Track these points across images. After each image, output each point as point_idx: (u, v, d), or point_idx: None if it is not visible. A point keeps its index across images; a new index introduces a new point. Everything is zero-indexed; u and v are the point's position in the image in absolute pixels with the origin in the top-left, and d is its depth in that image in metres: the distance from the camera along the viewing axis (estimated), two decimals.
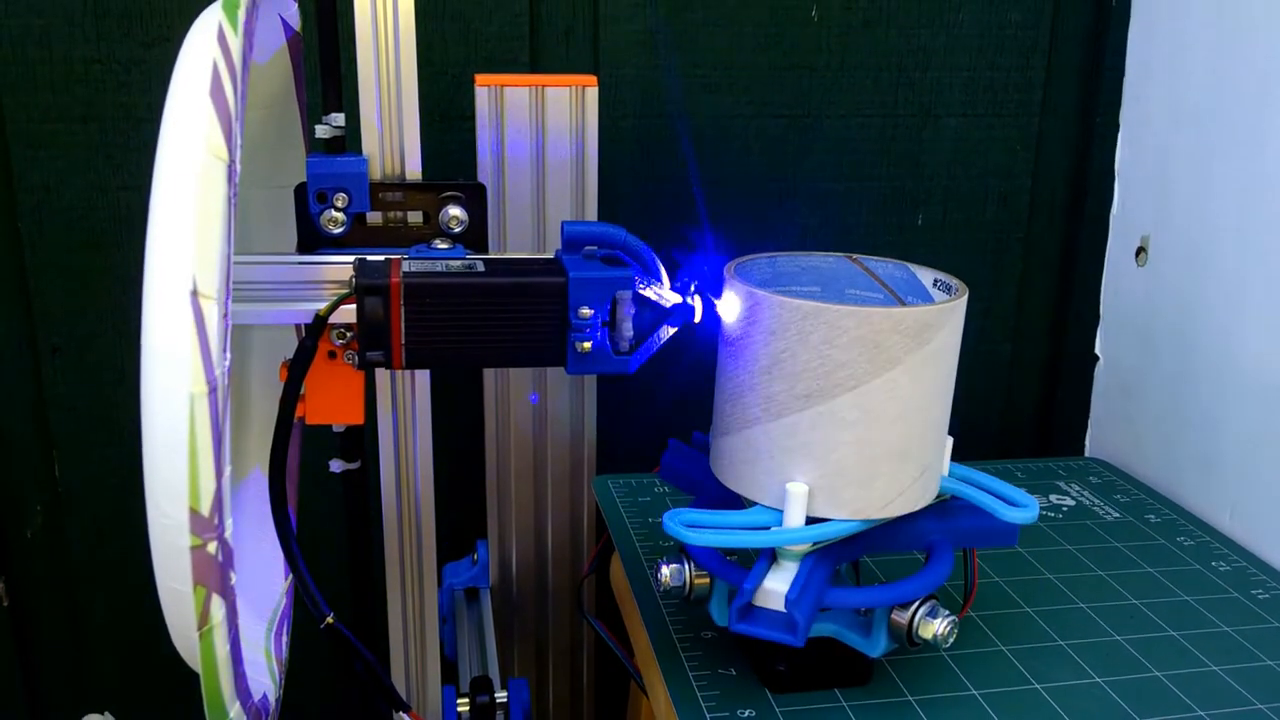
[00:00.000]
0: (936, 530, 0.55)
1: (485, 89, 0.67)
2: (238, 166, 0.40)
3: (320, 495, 0.82)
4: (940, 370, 0.51)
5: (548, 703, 0.81)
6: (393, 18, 0.56)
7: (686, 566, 0.55)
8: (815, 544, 0.52)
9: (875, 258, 0.59)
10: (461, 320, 0.49)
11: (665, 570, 0.55)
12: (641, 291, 0.51)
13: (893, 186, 0.87)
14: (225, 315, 0.39)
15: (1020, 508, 0.52)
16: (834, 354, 0.48)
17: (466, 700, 0.65)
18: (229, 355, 0.39)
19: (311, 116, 0.60)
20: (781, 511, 0.51)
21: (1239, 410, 0.74)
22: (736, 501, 0.54)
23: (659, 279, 0.52)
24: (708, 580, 0.55)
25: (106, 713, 0.87)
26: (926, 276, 0.56)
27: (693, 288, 0.53)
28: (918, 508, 0.52)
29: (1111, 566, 0.69)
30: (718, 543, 0.51)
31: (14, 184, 0.76)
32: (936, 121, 0.86)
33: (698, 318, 0.53)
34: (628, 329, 0.51)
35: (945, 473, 0.54)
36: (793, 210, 0.86)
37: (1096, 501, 0.78)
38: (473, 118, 0.67)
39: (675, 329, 0.53)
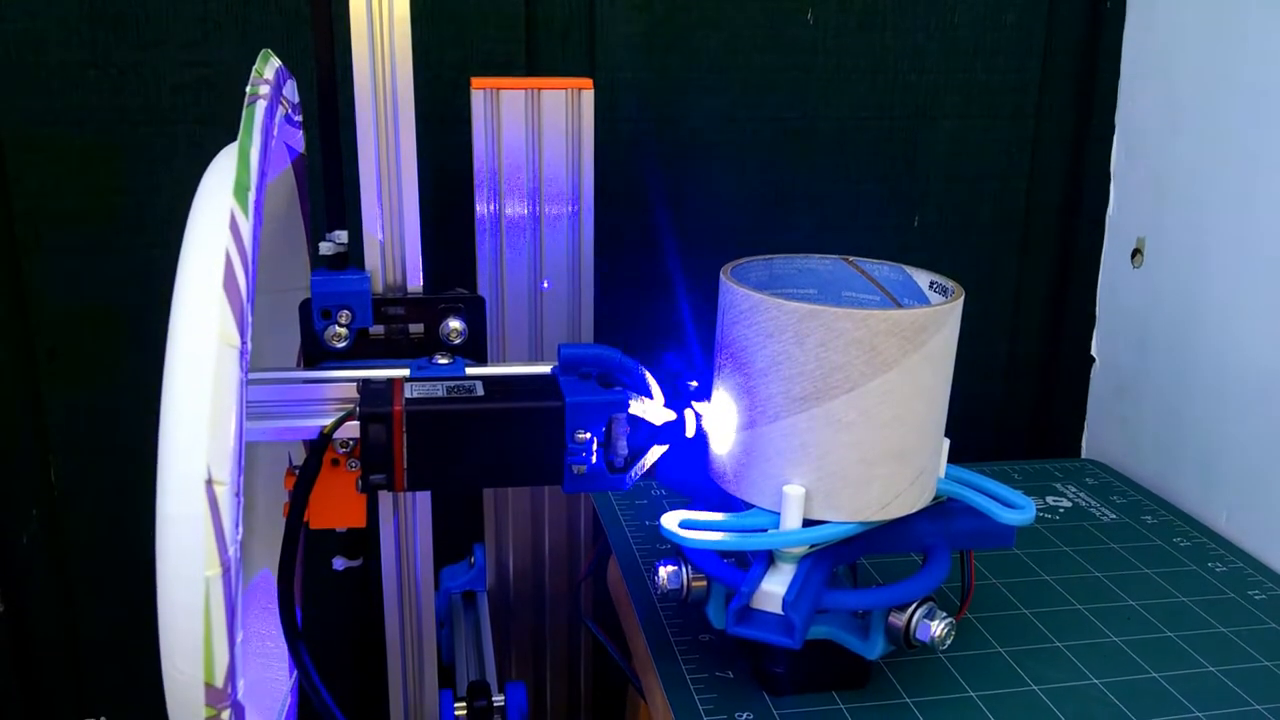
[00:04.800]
0: (933, 532, 0.55)
1: (481, 92, 0.67)
2: (249, 345, 0.40)
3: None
4: (937, 372, 0.51)
5: (545, 707, 0.81)
6: (394, 135, 0.57)
7: (684, 569, 0.55)
8: (812, 546, 0.52)
9: (871, 260, 0.59)
10: (462, 444, 0.50)
11: (662, 572, 0.55)
12: (634, 413, 0.52)
13: (889, 189, 0.87)
14: (238, 493, 0.39)
15: (1017, 509, 0.52)
16: (831, 356, 0.48)
17: (464, 704, 0.65)
18: (240, 529, 0.40)
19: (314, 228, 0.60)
20: (779, 514, 0.51)
21: (1236, 411, 0.74)
22: (734, 504, 0.53)
23: (651, 397, 0.53)
24: (705, 583, 0.55)
25: (103, 718, 0.87)
26: (922, 279, 0.56)
27: (700, 389, 0.54)
28: (915, 509, 0.52)
29: (1108, 568, 0.69)
30: (715, 545, 0.51)
31: (9, 188, 0.76)
32: (932, 123, 0.86)
33: (689, 433, 0.54)
34: (622, 448, 0.52)
35: (942, 474, 0.54)
36: (789, 212, 0.86)
37: (1093, 503, 0.78)
38: (469, 120, 0.67)
39: (667, 446, 0.54)
